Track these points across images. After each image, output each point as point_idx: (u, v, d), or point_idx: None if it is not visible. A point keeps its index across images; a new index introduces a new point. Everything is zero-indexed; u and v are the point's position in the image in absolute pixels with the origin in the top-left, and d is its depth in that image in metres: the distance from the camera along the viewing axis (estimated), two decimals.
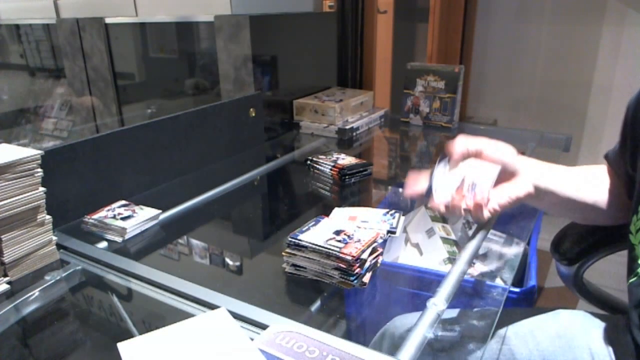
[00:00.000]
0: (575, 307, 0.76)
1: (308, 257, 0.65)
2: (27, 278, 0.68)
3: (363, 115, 1.53)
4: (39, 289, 0.66)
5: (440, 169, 0.68)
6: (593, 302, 0.82)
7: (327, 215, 0.81)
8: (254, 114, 1.27)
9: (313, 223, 0.72)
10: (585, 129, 1.82)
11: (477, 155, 0.68)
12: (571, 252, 0.78)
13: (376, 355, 0.48)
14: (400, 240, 0.95)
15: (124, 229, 0.79)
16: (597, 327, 0.68)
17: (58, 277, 0.68)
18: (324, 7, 1.58)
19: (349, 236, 0.67)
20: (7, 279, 0.66)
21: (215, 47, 1.34)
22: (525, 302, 0.90)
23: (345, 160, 1.10)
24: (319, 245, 0.64)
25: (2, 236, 0.63)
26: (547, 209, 0.73)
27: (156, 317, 0.64)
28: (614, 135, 0.72)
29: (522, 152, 1.09)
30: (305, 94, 1.55)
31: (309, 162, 1.13)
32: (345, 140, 1.39)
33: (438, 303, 0.57)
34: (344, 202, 1.02)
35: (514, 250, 0.87)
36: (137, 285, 0.67)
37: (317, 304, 0.65)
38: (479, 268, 0.89)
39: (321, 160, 1.11)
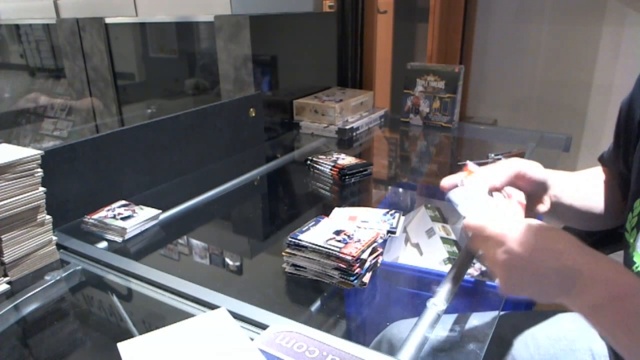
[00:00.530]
0: None
1: (308, 257, 0.65)
2: (27, 278, 0.68)
3: (363, 115, 1.53)
4: (39, 289, 0.66)
5: (460, 191, 0.64)
6: None
7: (327, 215, 0.81)
8: (254, 114, 1.27)
9: (313, 223, 0.72)
10: (585, 129, 1.82)
11: (519, 179, 0.65)
12: None
13: (376, 355, 0.48)
14: (400, 240, 0.95)
15: (124, 229, 0.79)
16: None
17: (58, 277, 0.68)
18: (324, 7, 1.58)
19: (349, 236, 0.67)
20: (7, 279, 0.66)
21: (215, 47, 1.34)
22: (526, 302, 0.90)
23: (345, 160, 1.10)
24: (319, 245, 0.64)
25: (2, 236, 0.63)
26: (549, 215, 0.73)
27: (156, 317, 0.64)
28: (613, 135, 0.72)
29: (522, 153, 1.09)
30: (305, 94, 1.55)
31: (309, 162, 1.13)
32: (345, 140, 1.39)
33: (438, 303, 0.57)
34: (344, 202, 1.02)
35: None
36: (137, 285, 0.67)
37: (317, 304, 0.65)
38: (479, 268, 0.89)
39: (321, 160, 1.11)
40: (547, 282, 0.50)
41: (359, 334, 0.69)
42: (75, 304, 0.67)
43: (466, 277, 0.68)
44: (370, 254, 0.66)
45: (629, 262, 0.59)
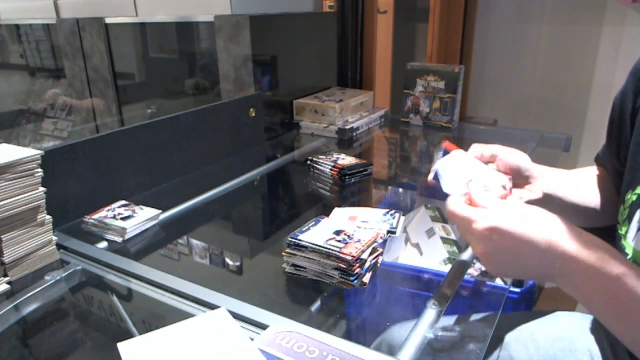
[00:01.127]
0: (575, 308, 0.76)
1: (308, 257, 0.65)
2: (27, 278, 0.68)
3: (363, 115, 1.53)
4: (39, 289, 0.66)
5: (446, 161, 0.67)
6: None
7: (327, 215, 0.81)
8: (254, 114, 1.27)
9: (313, 223, 0.72)
10: (585, 129, 1.82)
11: (492, 159, 0.69)
12: None
13: (376, 355, 0.48)
14: (400, 240, 0.95)
15: (124, 229, 0.79)
16: (596, 328, 0.68)
17: (58, 277, 0.68)
18: (324, 7, 1.58)
19: (349, 236, 0.67)
20: (7, 279, 0.66)
21: (215, 47, 1.34)
22: (525, 302, 0.90)
23: (345, 160, 1.10)
24: (319, 245, 0.64)
25: (2, 236, 0.63)
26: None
27: (156, 317, 0.64)
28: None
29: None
30: (305, 94, 1.55)
31: (309, 162, 1.13)
32: (345, 140, 1.39)
33: (438, 303, 0.57)
34: (344, 202, 1.02)
35: None
36: (137, 285, 0.67)
37: (317, 304, 0.65)
38: (479, 268, 0.89)
39: (321, 160, 1.11)
40: (533, 273, 0.55)
41: (359, 334, 0.69)
42: (75, 304, 0.67)
43: (466, 277, 0.68)
44: (370, 254, 0.66)
45: (620, 253, 0.59)
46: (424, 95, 1.47)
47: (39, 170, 0.67)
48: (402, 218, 0.80)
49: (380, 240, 0.70)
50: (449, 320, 0.61)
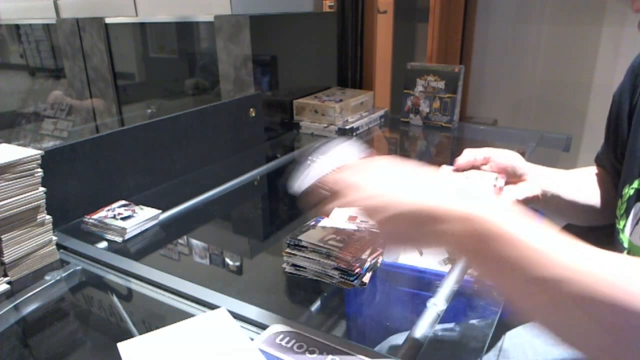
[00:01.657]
0: None
1: (308, 257, 0.65)
2: (27, 278, 0.68)
3: (363, 115, 1.53)
4: (39, 289, 0.66)
5: (442, 171, 0.68)
6: None
7: (327, 215, 0.81)
8: (254, 114, 1.27)
9: (313, 223, 0.72)
10: (585, 129, 1.82)
11: (485, 162, 0.69)
12: None
13: (376, 355, 0.48)
14: None
15: (124, 229, 0.79)
16: None
17: (58, 277, 0.68)
18: (324, 7, 1.58)
19: (349, 236, 0.67)
20: (7, 279, 0.66)
21: (215, 47, 1.34)
22: None
23: None
24: (319, 245, 0.64)
25: (2, 236, 0.63)
26: (550, 212, 0.73)
27: (156, 317, 0.64)
28: None
29: (522, 152, 1.09)
30: (305, 94, 1.55)
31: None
32: None
33: (438, 303, 0.57)
34: None
35: None
36: (137, 285, 0.67)
37: (317, 304, 0.65)
38: None
39: None
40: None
41: (359, 334, 0.69)
42: (75, 304, 0.67)
43: (466, 277, 0.68)
44: (370, 254, 0.66)
45: (619, 248, 0.59)
46: (424, 95, 1.47)
47: (39, 170, 0.67)
48: None
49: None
50: (449, 320, 0.61)
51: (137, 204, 0.88)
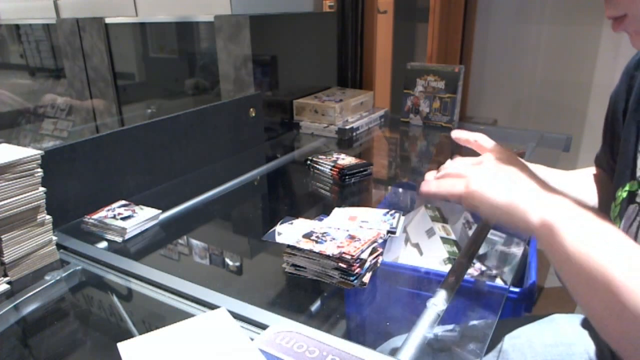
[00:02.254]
0: (575, 308, 0.76)
1: (308, 257, 0.65)
2: (27, 278, 0.68)
3: (363, 115, 1.53)
4: (39, 289, 0.66)
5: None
6: None
7: (327, 215, 0.81)
8: (254, 114, 1.27)
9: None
10: (585, 129, 1.83)
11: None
12: None
13: (376, 355, 0.48)
14: (400, 240, 0.95)
15: (124, 229, 0.79)
16: (594, 330, 0.68)
17: (58, 277, 0.68)
18: (324, 7, 1.58)
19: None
20: (7, 279, 0.66)
21: (215, 47, 1.34)
22: (525, 302, 0.90)
23: (345, 160, 1.10)
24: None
25: (2, 236, 0.63)
26: None
27: (156, 317, 0.64)
28: None
29: (522, 152, 1.10)
30: (305, 94, 1.55)
31: (309, 162, 1.13)
32: (345, 140, 1.39)
33: (438, 303, 0.57)
34: (344, 202, 1.01)
35: (514, 250, 0.87)
36: (137, 285, 0.67)
37: (317, 304, 0.65)
38: (479, 268, 0.89)
39: (321, 160, 1.11)
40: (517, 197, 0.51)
41: (359, 334, 0.69)
42: (75, 304, 0.67)
43: (466, 277, 0.68)
44: (370, 254, 0.66)
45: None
46: (424, 95, 1.47)
47: (39, 170, 0.67)
48: (402, 218, 0.81)
49: (380, 240, 0.70)
50: (449, 320, 0.62)
51: (137, 204, 0.88)
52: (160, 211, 0.86)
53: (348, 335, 0.63)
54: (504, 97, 1.97)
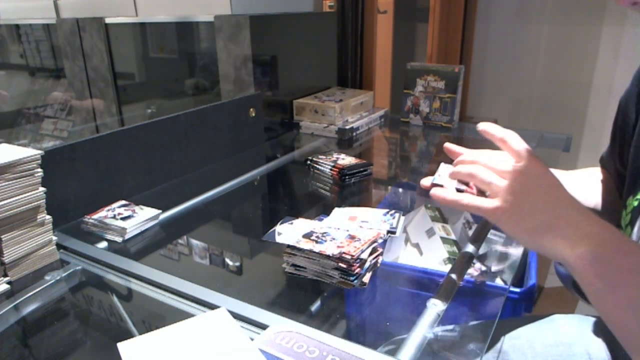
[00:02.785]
0: (575, 308, 0.76)
1: (308, 257, 0.65)
2: (27, 278, 0.68)
3: (363, 115, 1.53)
4: (39, 289, 0.66)
5: (443, 169, 0.68)
6: None
7: (327, 215, 0.81)
8: (254, 114, 1.27)
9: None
10: (585, 129, 1.82)
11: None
12: None
13: (376, 355, 0.48)
14: (400, 240, 0.95)
15: (124, 229, 0.79)
16: (594, 330, 0.68)
17: (58, 277, 0.68)
18: (324, 7, 1.58)
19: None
20: (7, 279, 0.66)
21: (215, 47, 1.34)
22: (525, 302, 0.90)
23: (345, 160, 1.10)
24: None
25: (2, 236, 0.63)
26: None
27: (156, 317, 0.64)
28: None
29: None
30: (305, 94, 1.55)
31: (309, 162, 1.13)
32: (345, 140, 1.39)
33: (438, 303, 0.57)
34: (344, 202, 1.01)
35: (514, 250, 0.87)
36: (137, 285, 0.67)
37: (317, 304, 0.65)
38: (479, 268, 0.89)
39: (321, 160, 1.11)
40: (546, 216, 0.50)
41: (359, 334, 0.69)
42: (75, 304, 0.67)
43: (466, 277, 0.68)
44: (370, 254, 0.66)
45: None
46: (424, 95, 1.47)
47: (39, 170, 0.67)
48: (402, 218, 0.80)
49: (380, 240, 0.70)
50: (449, 320, 0.61)
51: (137, 204, 0.88)
52: (160, 211, 0.86)
53: (348, 335, 0.63)
54: (504, 97, 1.97)
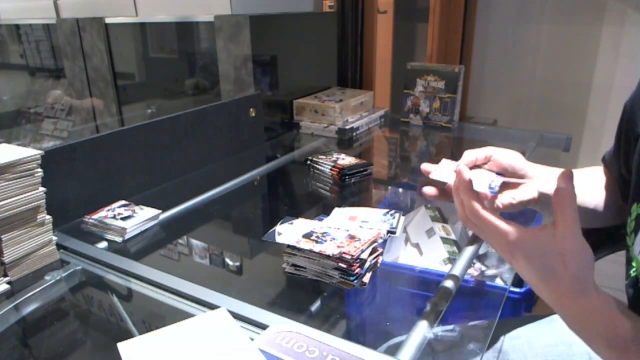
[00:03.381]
0: None
1: (308, 257, 0.65)
2: (27, 278, 0.68)
3: (363, 115, 1.53)
4: (39, 289, 0.66)
5: (444, 163, 0.67)
6: None
7: (327, 215, 0.81)
8: (254, 114, 1.27)
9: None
10: (585, 129, 1.82)
11: (486, 161, 0.68)
12: None
13: (376, 355, 0.48)
14: (400, 240, 0.95)
15: (124, 229, 0.79)
16: None
17: (58, 277, 0.68)
18: (324, 7, 1.58)
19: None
20: (7, 279, 0.66)
21: (215, 47, 1.34)
22: (525, 302, 0.90)
23: (345, 160, 1.10)
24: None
25: (2, 236, 0.63)
26: (549, 213, 0.73)
27: (156, 317, 0.64)
28: (614, 136, 0.72)
29: (522, 153, 1.09)
30: (305, 94, 1.55)
31: (309, 162, 1.13)
32: (345, 140, 1.39)
33: (438, 303, 0.57)
34: (344, 202, 1.02)
35: None
36: (137, 285, 0.67)
37: (317, 304, 0.66)
38: (479, 268, 0.89)
39: (321, 160, 1.11)
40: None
41: (359, 334, 0.69)
42: (75, 304, 0.67)
43: (466, 277, 0.68)
44: (370, 254, 0.66)
45: (628, 265, 0.59)
46: (424, 95, 1.47)
47: (39, 170, 0.67)
48: (402, 218, 0.81)
49: (380, 240, 0.70)
50: (449, 320, 0.62)
51: (137, 204, 0.88)
52: (160, 211, 0.86)
53: (348, 335, 0.63)
54: (504, 97, 1.97)
